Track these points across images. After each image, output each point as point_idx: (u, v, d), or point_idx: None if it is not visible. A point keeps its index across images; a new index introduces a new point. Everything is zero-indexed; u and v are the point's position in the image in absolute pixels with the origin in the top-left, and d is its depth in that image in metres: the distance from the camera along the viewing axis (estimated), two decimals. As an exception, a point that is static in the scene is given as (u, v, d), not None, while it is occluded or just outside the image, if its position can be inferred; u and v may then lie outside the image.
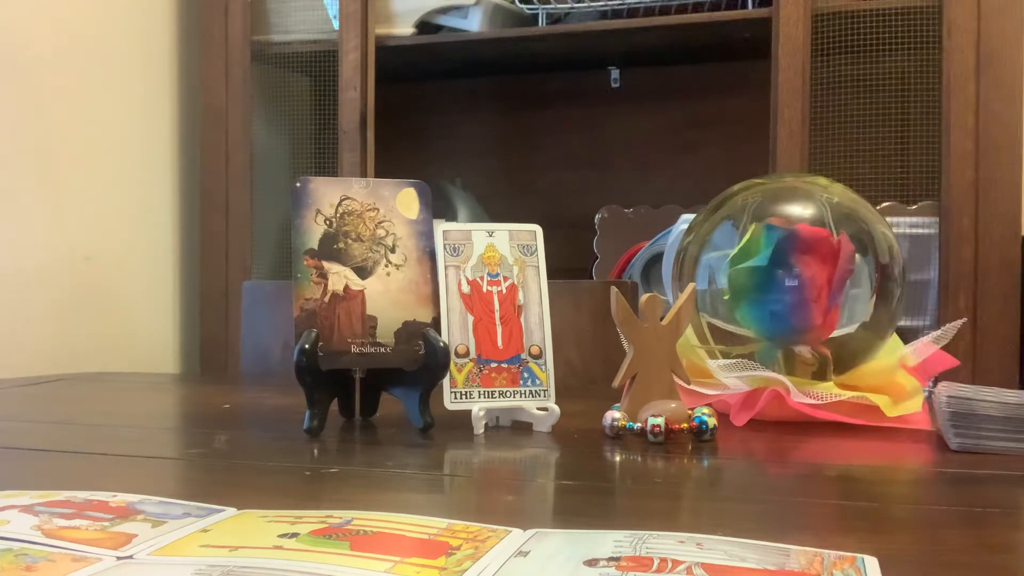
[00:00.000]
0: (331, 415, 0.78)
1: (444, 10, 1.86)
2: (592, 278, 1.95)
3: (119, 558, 0.41)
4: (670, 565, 0.40)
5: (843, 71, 1.63)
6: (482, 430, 0.76)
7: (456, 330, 0.77)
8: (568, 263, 1.77)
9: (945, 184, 1.54)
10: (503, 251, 0.80)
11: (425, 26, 1.88)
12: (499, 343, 0.78)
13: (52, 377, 1.20)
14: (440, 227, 0.80)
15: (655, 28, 1.74)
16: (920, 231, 1.57)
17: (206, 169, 1.92)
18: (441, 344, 0.75)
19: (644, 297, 0.77)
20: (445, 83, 2.19)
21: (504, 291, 0.79)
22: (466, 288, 0.78)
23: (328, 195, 0.77)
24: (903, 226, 1.57)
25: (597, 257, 1.98)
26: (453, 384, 0.76)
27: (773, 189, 0.91)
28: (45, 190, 1.65)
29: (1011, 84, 1.51)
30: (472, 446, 0.73)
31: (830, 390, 0.80)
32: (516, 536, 0.45)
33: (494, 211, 2.04)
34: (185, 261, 1.98)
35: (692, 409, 0.74)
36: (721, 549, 0.42)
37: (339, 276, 0.76)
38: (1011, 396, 0.70)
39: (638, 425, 0.73)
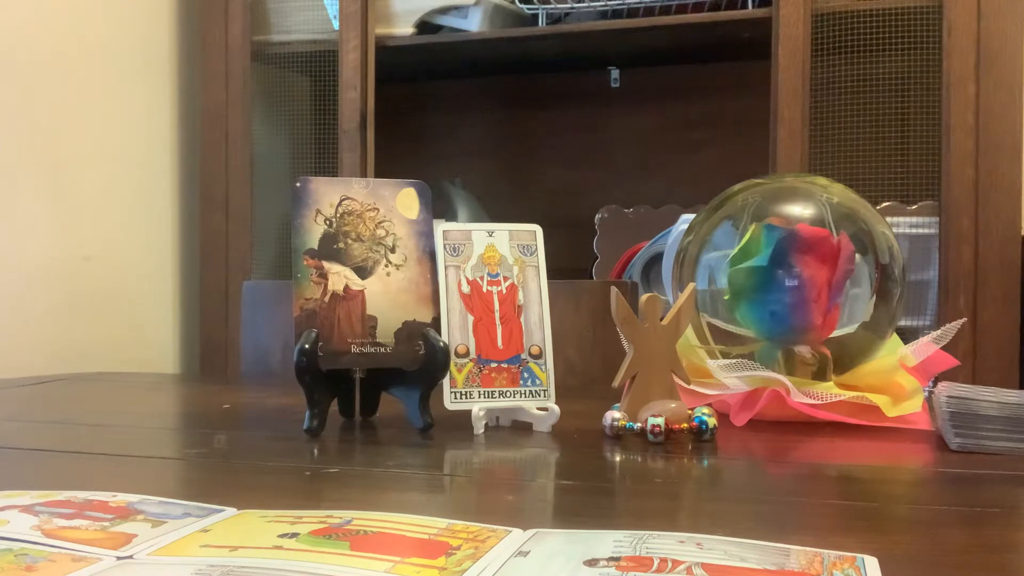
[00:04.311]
0: (331, 415, 0.78)
1: (444, 10, 1.86)
2: (592, 278, 1.95)
3: (119, 558, 0.41)
4: (670, 565, 0.40)
5: (843, 71, 1.63)
6: (482, 430, 0.76)
7: (456, 330, 0.77)
8: (568, 263, 1.77)
9: (945, 184, 1.54)
10: (503, 251, 0.80)
11: (425, 26, 1.88)
12: (499, 343, 0.78)
13: (52, 377, 1.20)
14: (440, 227, 0.80)
15: (655, 28, 1.74)
16: (920, 231, 1.57)
17: (206, 169, 1.92)
18: (441, 344, 0.75)
19: (644, 297, 0.77)
20: (445, 83, 2.19)
21: (504, 291, 0.79)
22: (466, 288, 0.78)
23: (328, 195, 0.77)
24: (903, 226, 1.57)
25: (597, 257, 1.98)
26: (453, 384, 0.76)
27: (773, 189, 0.91)
28: (45, 190, 1.65)
29: (1011, 84, 1.51)
30: (472, 446, 0.73)
31: (830, 390, 0.80)
32: (516, 536, 0.45)
33: (494, 211, 2.04)
34: (185, 261, 1.98)
35: (692, 409, 0.74)
36: (721, 549, 0.42)
37: (339, 276, 0.76)
38: (1011, 396, 0.70)
39: (638, 425, 0.73)
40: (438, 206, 1.84)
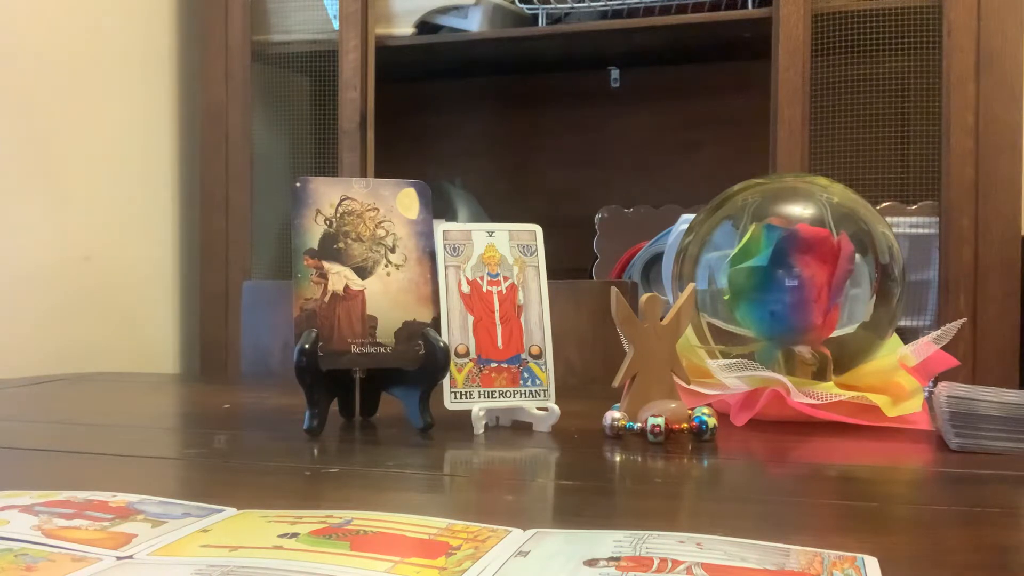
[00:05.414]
0: (331, 415, 0.78)
1: (444, 10, 1.86)
2: (592, 278, 1.95)
3: (119, 558, 0.41)
4: (670, 565, 0.40)
5: (843, 71, 1.62)
6: (482, 430, 0.76)
7: (456, 330, 0.77)
8: (568, 263, 1.77)
9: (945, 184, 1.54)
10: (503, 251, 0.80)
11: (425, 26, 1.88)
12: (499, 343, 0.78)
13: (52, 377, 1.20)
14: (440, 227, 0.80)
15: (655, 28, 1.74)
16: (920, 231, 1.57)
17: (206, 169, 1.92)
18: (441, 344, 0.75)
19: (644, 297, 0.77)
20: (445, 83, 2.19)
21: (504, 291, 0.79)
22: (466, 288, 0.78)
23: (328, 195, 0.77)
24: (903, 226, 1.57)
25: (597, 257, 1.98)
26: (453, 384, 0.76)
27: (773, 189, 0.91)
28: (45, 190, 1.65)
29: (1011, 84, 1.51)
30: (472, 446, 0.73)
31: (830, 390, 0.80)
32: (516, 536, 0.45)
33: (494, 211, 2.04)
34: (185, 261, 1.98)
35: (692, 409, 0.74)
36: (721, 549, 0.42)
37: (339, 276, 0.76)
38: (1011, 396, 0.70)
39: (638, 425, 0.73)
40: (438, 206, 1.83)
